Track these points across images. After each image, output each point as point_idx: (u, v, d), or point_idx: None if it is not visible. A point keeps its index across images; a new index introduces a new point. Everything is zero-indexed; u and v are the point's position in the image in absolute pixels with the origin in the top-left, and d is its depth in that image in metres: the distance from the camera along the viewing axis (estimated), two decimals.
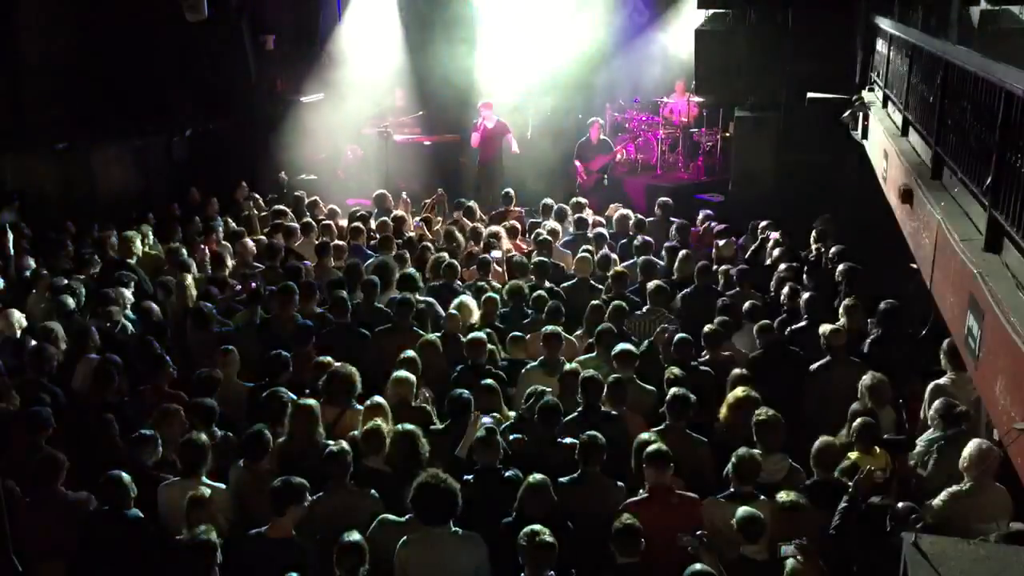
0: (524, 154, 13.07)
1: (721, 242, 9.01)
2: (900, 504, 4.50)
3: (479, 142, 12.73)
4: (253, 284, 7.62)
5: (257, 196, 11.20)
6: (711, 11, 11.37)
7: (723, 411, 5.61)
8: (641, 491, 4.88)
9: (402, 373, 5.89)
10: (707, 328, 6.66)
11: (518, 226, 9.77)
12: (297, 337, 6.63)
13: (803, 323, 6.94)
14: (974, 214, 4.64)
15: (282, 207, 10.48)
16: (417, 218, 10.52)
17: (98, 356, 6.43)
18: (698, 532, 4.45)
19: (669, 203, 10.27)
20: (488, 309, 7.26)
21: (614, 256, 8.63)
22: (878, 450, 5.21)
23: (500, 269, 8.63)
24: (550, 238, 8.83)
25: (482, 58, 13.87)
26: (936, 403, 5.39)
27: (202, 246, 9.26)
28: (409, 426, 5.13)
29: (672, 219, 9.78)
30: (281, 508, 4.49)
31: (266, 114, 13.26)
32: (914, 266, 5.98)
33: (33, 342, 6.50)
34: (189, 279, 7.90)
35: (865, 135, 8.82)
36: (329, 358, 6.17)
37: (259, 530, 4.55)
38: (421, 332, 6.86)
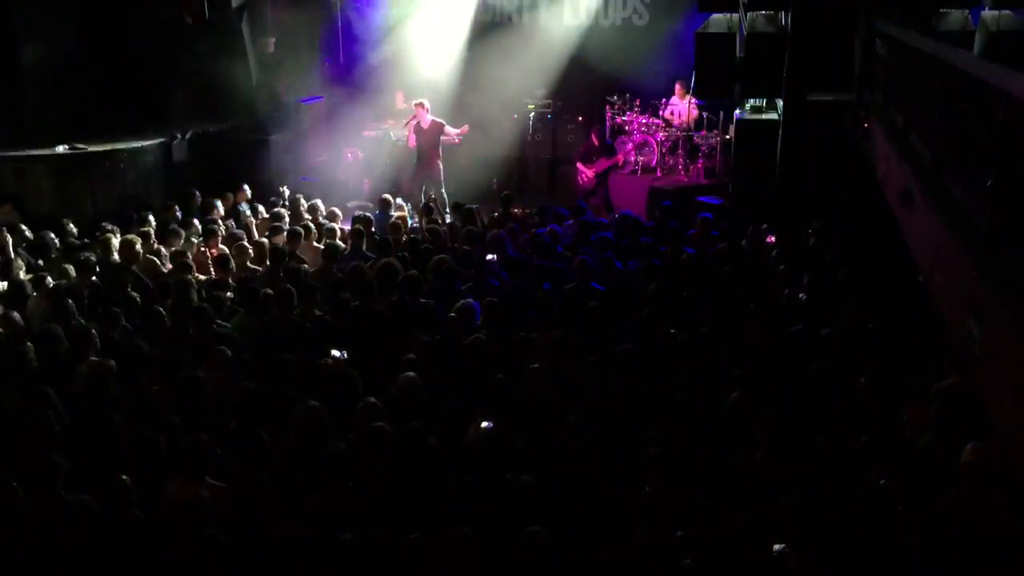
0: (522, 155, 13.02)
1: (721, 245, 8.99)
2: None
3: (414, 143, 12.45)
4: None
5: (259, 207, 11.12)
6: (712, 14, 11.37)
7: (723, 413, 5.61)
8: None
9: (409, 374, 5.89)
10: (706, 330, 6.66)
11: (517, 229, 9.76)
12: (297, 340, 6.62)
13: (803, 325, 6.94)
14: (974, 215, 4.65)
15: (280, 211, 10.47)
16: (418, 220, 10.50)
17: (98, 359, 6.43)
18: None
19: (669, 206, 10.27)
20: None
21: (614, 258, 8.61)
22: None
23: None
24: (549, 241, 8.83)
25: (481, 58, 13.90)
26: (936, 404, 5.39)
27: (202, 248, 9.26)
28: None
29: (672, 222, 9.77)
30: None
31: (266, 116, 13.28)
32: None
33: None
34: (190, 280, 7.87)
35: (865, 137, 8.81)
36: (330, 360, 6.16)
37: None
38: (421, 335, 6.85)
